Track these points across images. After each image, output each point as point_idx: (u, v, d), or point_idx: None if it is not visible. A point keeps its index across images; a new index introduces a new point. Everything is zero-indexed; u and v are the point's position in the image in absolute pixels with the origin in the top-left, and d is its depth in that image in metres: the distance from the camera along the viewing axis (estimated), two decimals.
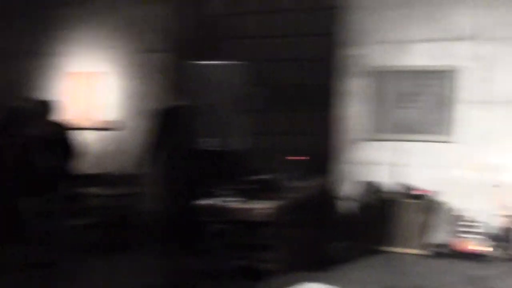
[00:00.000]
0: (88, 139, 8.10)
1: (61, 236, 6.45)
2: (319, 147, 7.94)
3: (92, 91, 8.54)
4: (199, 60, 7.27)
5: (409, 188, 6.69)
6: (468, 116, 6.81)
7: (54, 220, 6.05)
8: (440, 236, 6.88)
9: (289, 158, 7.30)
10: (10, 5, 9.02)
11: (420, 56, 7.02)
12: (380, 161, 7.18)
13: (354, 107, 7.31)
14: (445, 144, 6.91)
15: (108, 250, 6.58)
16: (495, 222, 6.42)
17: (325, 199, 7.41)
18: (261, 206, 5.21)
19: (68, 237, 6.56)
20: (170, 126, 6.59)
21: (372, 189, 7.01)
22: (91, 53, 8.63)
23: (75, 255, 6.40)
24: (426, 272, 5.96)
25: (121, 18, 8.39)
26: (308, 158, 7.36)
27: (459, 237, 6.29)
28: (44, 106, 5.61)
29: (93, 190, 6.87)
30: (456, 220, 6.39)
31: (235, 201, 5.42)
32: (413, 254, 6.50)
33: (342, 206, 7.37)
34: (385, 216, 6.64)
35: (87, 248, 6.70)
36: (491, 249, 6.38)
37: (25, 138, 4.91)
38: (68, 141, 5.97)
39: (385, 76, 7.13)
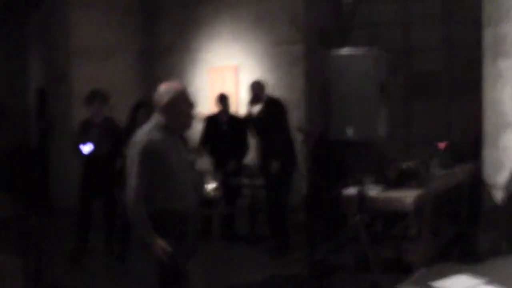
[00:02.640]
0: None
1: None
2: (465, 133, 7.59)
3: (231, 84, 8.76)
4: (335, 50, 7.23)
5: None
6: None
7: None
8: None
9: (432, 145, 7.05)
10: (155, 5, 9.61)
11: None
12: None
13: (503, 89, 6.86)
14: None
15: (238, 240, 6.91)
16: None
17: (471, 187, 7.06)
18: (404, 195, 5.07)
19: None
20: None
21: None
22: (228, 47, 8.87)
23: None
24: None
25: (255, 11, 8.52)
26: (451, 144, 7.05)
27: None
28: None
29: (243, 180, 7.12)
30: None
31: (377, 190, 5.32)
32: None
33: (490, 195, 6.96)
34: None
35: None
36: None
37: None
38: None
39: None
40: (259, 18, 8.48)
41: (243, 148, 7.26)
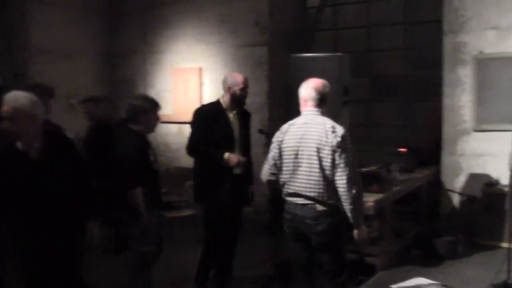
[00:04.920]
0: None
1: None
2: (425, 138, 7.70)
3: (193, 86, 8.71)
4: (298, 53, 7.27)
5: None
6: None
7: None
8: None
9: (393, 149, 7.14)
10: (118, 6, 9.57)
11: None
12: (488, 153, 6.83)
13: (461, 97, 7.00)
14: None
15: None
16: None
17: (430, 192, 7.17)
18: (365, 199, 5.09)
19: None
20: None
21: (480, 181, 6.70)
22: (192, 49, 8.83)
23: None
24: None
25: (219, 13, 8.50)
26: (411, 148, 7.14)
27: None
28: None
29: None
30: None
31: None
32: None
33: (449, 199, 7.10)
34: (494, 209, 6.34)
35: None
36: None
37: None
38: None
39: (492, 64, 6.77)
40: (223, 20, 8.46)
41: None
